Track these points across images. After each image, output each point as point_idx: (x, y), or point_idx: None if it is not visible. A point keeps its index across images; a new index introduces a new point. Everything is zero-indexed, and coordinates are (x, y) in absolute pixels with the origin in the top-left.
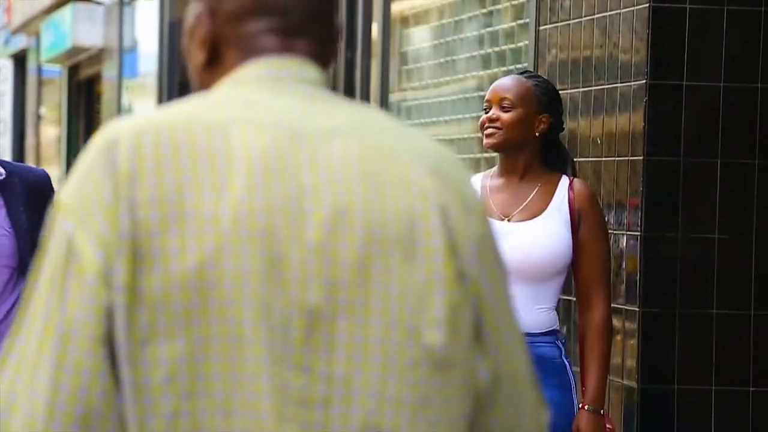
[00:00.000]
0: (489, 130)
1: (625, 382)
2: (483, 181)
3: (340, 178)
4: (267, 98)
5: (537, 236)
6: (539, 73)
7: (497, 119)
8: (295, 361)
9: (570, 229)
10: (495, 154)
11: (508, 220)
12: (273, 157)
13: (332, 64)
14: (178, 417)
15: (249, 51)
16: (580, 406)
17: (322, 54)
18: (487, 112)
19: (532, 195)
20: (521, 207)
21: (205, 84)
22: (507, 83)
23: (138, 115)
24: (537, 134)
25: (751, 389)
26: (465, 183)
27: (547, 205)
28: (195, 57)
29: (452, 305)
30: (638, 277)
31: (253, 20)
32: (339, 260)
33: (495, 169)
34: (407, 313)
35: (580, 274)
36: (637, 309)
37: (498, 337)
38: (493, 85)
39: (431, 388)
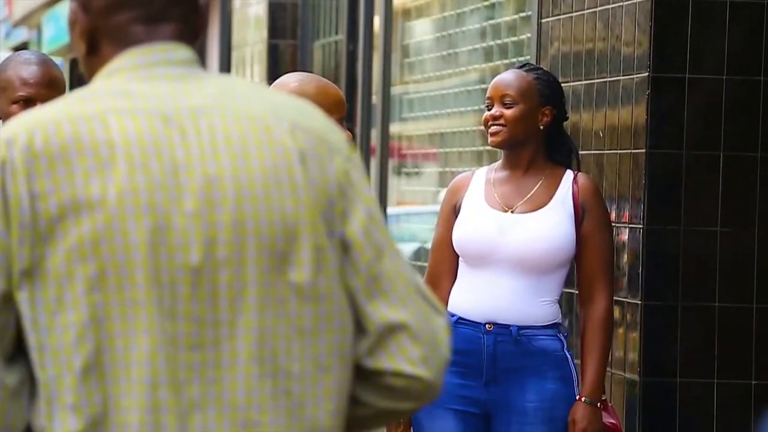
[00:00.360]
0: (493, 128)
1: (627, 375)
2: (487, 174)
3: (209, 151)
4: (139, 86)
5: (540, 228)
6: (541, 66)
7: (500, 116)
8: (185, 314)
9: (573, 222)
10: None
11: (512, 212)
12: (148, 140)
13: (200, 36)
14: (87, 372)
15: (120, 41)
16: (578, 397)
17: (187, 33)
18: (489, 109)
19: (536, 187)
20: (525, 199)
21: (91, 71)
22: (508, 79)
23: (30, 113)
24: (541, 127)
25: (753, 382)
26: (325, 130)
27: (551, 197)
28: (77, 48)
29: (315, 246)
30: (640, 270)
31: (121, 12)
32: (215, 222)
33: (499, 162)
34: (277, 257)
35: (583, 267)
36: (639, 302)
37: (371, 254)
38: (493, 81)
39: (303, 319)
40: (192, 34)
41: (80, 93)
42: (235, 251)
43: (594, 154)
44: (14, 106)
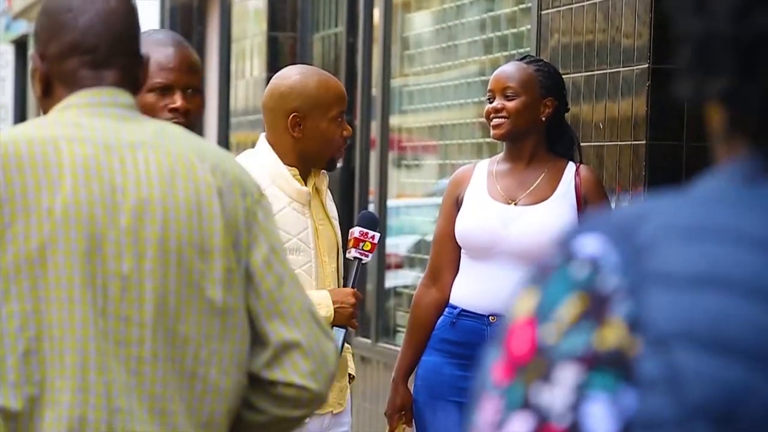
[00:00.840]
0: (495, 121)
1: None
2: (489, 167)
3: (143, 178)
4: (88, 120)
5: (543, 220)
6: (541, 57)
7: (502, 109)
8: (114, 313)
9: (576, 214)
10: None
11: (515, 204)
12: (92, 164)
13: (140, 90)
14: (28, 355)
15: (71, 84)
16: None
17: (129, 81)
18: (491, 102)
19: (538, 180)
20: (527, 192)
21: (45, 109)
22: (509, 71)
23: None
24: (543, 119)
25: None
26: (241, 174)
27: (554, 190)
28: (35, 90)
29: (227, 269)
30: None
31: (71, 59)
32: (144, 238)
33: (501, 154)
34: (195, 274)
35: None
36: None
37: (271, 282)
38: (494, 73)
39: (212, 329)
40: (134, 84)
41: (38, 120)
42: (159, 265)
43: (594, 145)
44: (150, 95)
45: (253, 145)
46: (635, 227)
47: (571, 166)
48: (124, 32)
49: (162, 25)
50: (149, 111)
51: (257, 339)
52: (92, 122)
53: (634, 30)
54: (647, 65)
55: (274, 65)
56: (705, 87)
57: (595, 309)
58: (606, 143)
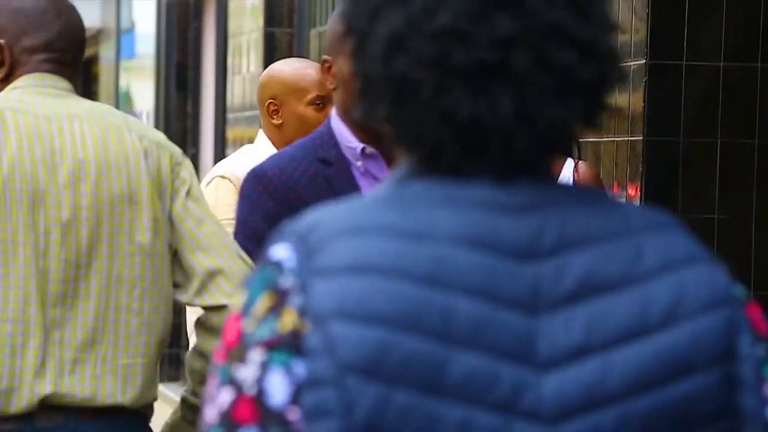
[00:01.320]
0: None
1: None
2: None
3: (79, 143)
4: (30, 98)
5: None
6: None
7: None
8: (55, 255)
9: None
10: None
11: None
12: (34, 131)
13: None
14: None
15: (29, 72)
16: None
17: (74, 77)
18: None
19: None
20: None
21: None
22: None
23: None
24: None
25: None
26: (164, 141)
27: None
28: None
29: (154, 217)
30: None
31: (41, 54)
32: (80, 192)
33: None
34: (125, 222)
35: None
36: None
37: (191, 223)
38: None
39: (144, 270)
40: (72, 77)
41: None
42: (93, 214)
43: (591, 141)
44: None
45: (250, 141)
46: (309, 233)
47: (569, 163)
48: (82, 41)
49: (158, 21)
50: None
51: (185, 274)
52: (34, 99)
53: (632, 25)
54: (644, 61)
55: (270, 61)
56: (372, 113)
57: (279, 303)
58: (603, 139)
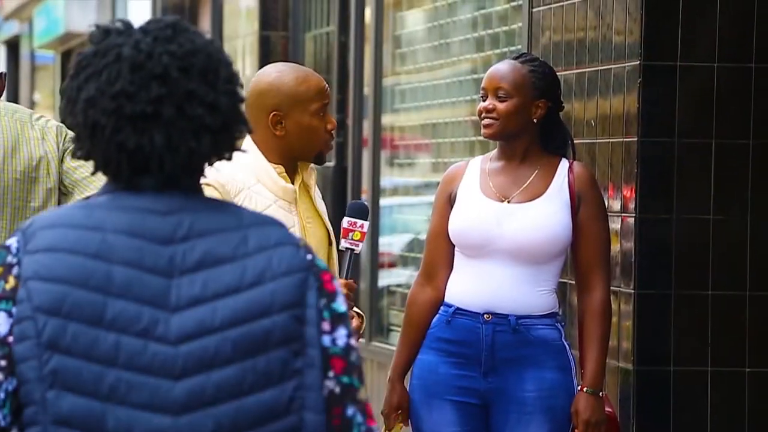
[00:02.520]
0: (486, 121)
1: (621, 364)
2: (482, 164)
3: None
4: None
5: (537, 218)
6: (537, 56)
7: (493, 109)
8: (12, 202)
9: (570, 211)
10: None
11: (508, 202)
12: None
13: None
14: None
15: None
16: (579, 388)
17: None
18: (484, 100)
19: (531, 177)
20: (521, 189)
21: None
22: (503, 71)
23: None
24: (535, 120)
25: (747, 370)
26: (59, 127)
27: (547, 187)
28: None
29: (46, 189)
30: (633, 259)
31: None
32: (10, 170)
33: (494, 152)
34: (24, 191)
35: (580, 257)
36: (633, 291)
37: (76, 177)
38: (488, 71)
39: None
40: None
41: None
42: (23, 187)
43: (586, 143)
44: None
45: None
46: (28, 228)
47: (564, 163)
48: None
49: None
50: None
51: None
52: None
53: (625, 27)
54: (638, 62)
55: (265, 64)
56: (83, 149)
57: (5, 272)
58: (598, 140)
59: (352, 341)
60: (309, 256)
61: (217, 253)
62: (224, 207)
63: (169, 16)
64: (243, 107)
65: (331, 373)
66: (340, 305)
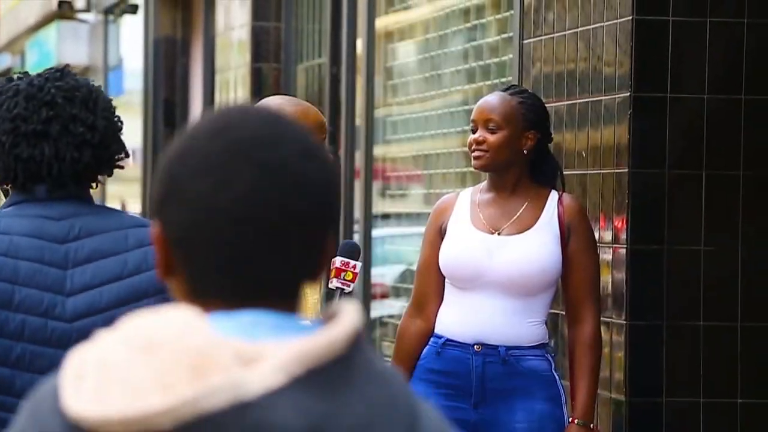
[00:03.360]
0: (476, 153)
1: (613, 395)
2: (473, 196)
3: None
4: None
5: (527, 250)
6: (525, 88)
7: (484, 141)
8: None
9: (560, 243)
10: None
11: (498, 234)
12: None
13: None
14: None
15: None
16: (570, 420)
17: None
18: (474, 132)
19: (521, 209)
20: (511, 221)
21: None
22: (492, 103)
23: None
24: (525, 151)
25: (739, 401)
26: None
27: (537, 219)
28: None
29: None
30: (625, 290)
31: None
32: None
33: (484, 183)
34: None
35: (570, 288)
36: (624, 322)
37: None
38: (478, 103)
39: None
40: None
41: None
42: None
43: (577, 174)
44: None
45: None
46: None
47: (554, 195)
48: None
49: (146, 58)
50: None
51: None
52: None
53: (616, 59)
54: (629, 93)
55: (257, 96)
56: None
57: None
58: (589, 171)
59: None
60: None
61: (103, 249)
62: (108, 212)
63: (59, 65)
64: (120, 132)
65: None
66: None
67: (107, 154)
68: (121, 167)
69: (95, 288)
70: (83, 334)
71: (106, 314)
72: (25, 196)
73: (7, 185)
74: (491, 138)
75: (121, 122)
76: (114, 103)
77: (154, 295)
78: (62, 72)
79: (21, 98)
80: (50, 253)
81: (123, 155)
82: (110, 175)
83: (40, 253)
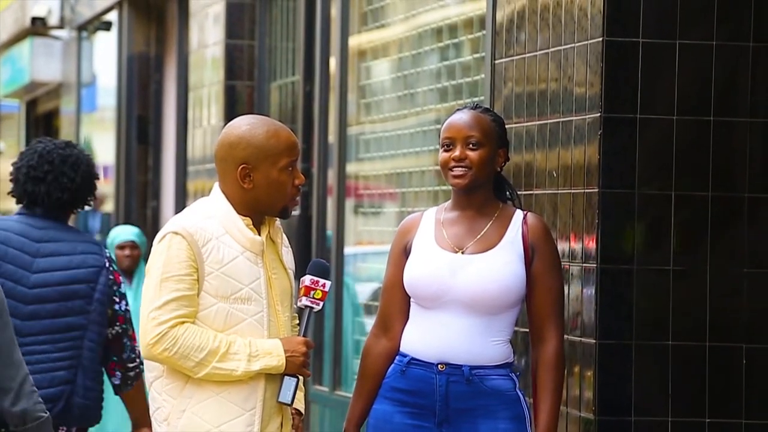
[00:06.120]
0: (458, 170)
1: (583, 414)
2: (437, 215)
3: None
4: None
5: (490, 269)
6: (495, 107)
7: (465, 158)
8: None
9: (524, 262)
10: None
11: (462, 253)
12: None
13: None
14: None
15: None
16: None
17: None
18: (447, 149)
19: (486, 228)
20: (475, 240)
21: None
22: (469, 120)
23: None
24: (498, 169)
25: (707, 420)
26: None
27: (501, 238)
28: None
29: None
30: (594, 309)
31: None
32: None
33: (449, 202)
34: None
35: (533, 308)
36: (594, 341)
37: None
38: (451, 121)
39: None
40: None
41: None
42: None
43: (548, 193)
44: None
45: (209, 194)
46: None
47: (518, 214)
48: None
49: (119, 74)
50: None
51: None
52: None
53: (586, 79)
54: (599, 114)
55: (231, 113)
56: (13, 191)
57: None
58: (559, 191)
59: (129, 308)
60: (105, 260)
61: (60, 251)
62: (71, 230)
63: (67, 142)
64: (96, 181)
65: (117, 324)
66: (122, 287)
67: (81, 197)
68: (91, 205)
69: (49, 272)
70: (37, 298)
71: (52, 288)
72: (26, 212)
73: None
74: (473, 155)
75: (98, 176)
76: (86, 119)
77: (84, 283)
78: (67, 144)
79: (36, 156)
80: (28, 246)
81: (93, 197)
82: (83, 209)
83: (22, 245)
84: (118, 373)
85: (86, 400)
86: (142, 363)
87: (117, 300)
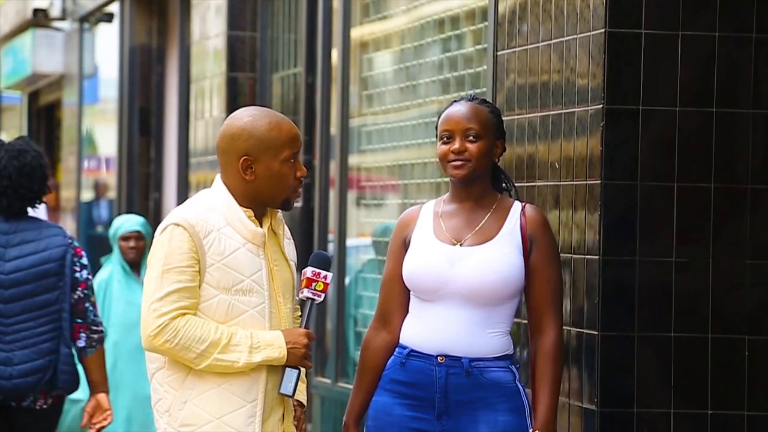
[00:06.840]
0: (457, 162)
1: (585, 405)
2: (435, 208)
3: None
4: None
5: (489, 261)
6: (498, 98)
7: (465, 150)
8: None
9: (522, 253)
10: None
11: (461, 245)
12: None
13: None
14: None
15: None
16: (531, 430)
17: None
18: (446, 141)
19: (484, 220)
20: (473, 232)
21: None
22: (468, 112)
23: None
24: (496, 160)
25: (710, 412)
26: None
27: (500, 229)
28: None
29: None
30: (597, 301)
31: None
32: None
33: (447, 195)
34: None
35: (532, 299)
36: (596, 332)
37: None
38: (448, 113)
39: None
40: None
41: None
42: None
43: (550, 185)
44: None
45: (210, 185)
46: None
47: (517, 206)
48: None
49: (121, 66)
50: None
51: None
52: None
53: (588, 71)
54: (601, 105)
55: (233, 105)
56: None
57: None
58: (562, 183)
59: (90, 276)
60: (68, 239)
61: (28, 239)
62: (35, 220)
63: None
64: (46, 180)
65: (78, 290)
66: (83, 259)
67: (38, 197)
68: (45, 202)
69: (21, 258)
70: (14, 282)
71: (25, 271)
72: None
73: None
74: (473, 147)
75: (48, 175)
76: (88, 111)
77: (54, 262)
78: (19, 151)
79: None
80: (1, 237)
81: (47, 193)
82: (37, 206)
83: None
84: (83, 334)
85: (68, 366)
86: (104, 330)
87: (78, 269)
